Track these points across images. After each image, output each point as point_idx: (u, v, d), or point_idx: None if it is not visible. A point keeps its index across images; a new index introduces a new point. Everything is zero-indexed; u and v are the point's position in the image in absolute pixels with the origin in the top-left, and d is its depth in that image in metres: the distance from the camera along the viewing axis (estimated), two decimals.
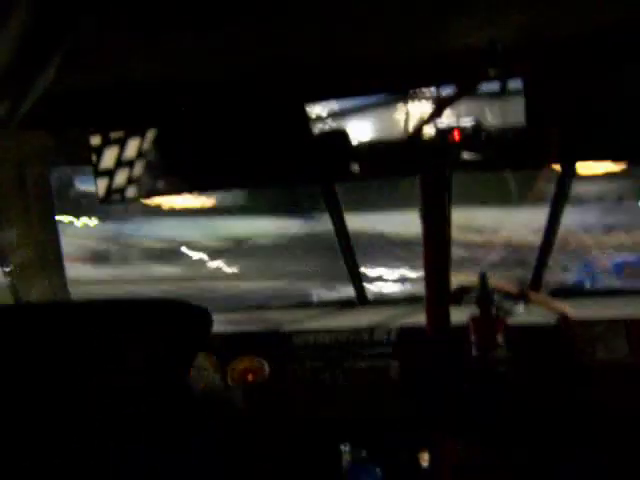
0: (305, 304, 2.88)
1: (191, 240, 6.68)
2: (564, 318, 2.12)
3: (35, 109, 1.33)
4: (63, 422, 1.21)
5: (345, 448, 2.16)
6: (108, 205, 1.89)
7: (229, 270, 6.53)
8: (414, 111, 1.74)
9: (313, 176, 1.89)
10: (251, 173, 1.83)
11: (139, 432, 1.40)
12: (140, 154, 1.82)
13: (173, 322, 1.39)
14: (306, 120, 1.77)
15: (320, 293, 2.96)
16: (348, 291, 2.77)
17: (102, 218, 6.14)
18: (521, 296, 2.36)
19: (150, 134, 1.81)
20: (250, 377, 2.31)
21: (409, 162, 1.79)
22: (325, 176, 1.92)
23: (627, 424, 2.07)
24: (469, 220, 4.82)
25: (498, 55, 1.53)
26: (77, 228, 5.81)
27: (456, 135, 1.70)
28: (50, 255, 2.15)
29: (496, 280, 2.32)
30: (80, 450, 1.22)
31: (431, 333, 2.10)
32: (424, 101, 1.74)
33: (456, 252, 2.23)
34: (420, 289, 2.17)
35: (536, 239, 2.45)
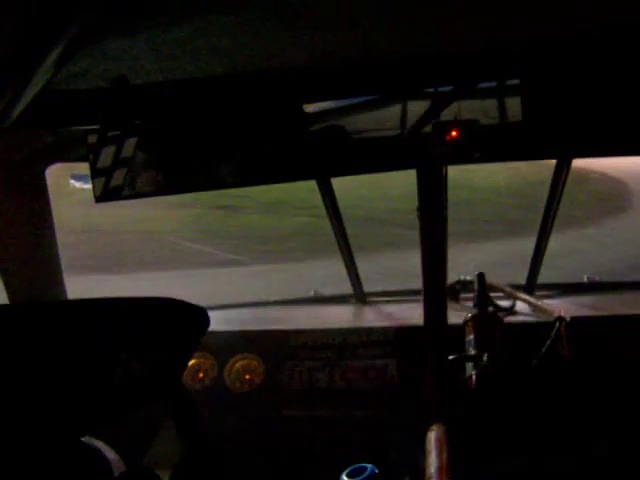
0: (303, 301, 2.88)
1: None
2: (560, 317, 2.12)
3: (32, 107, 1.33)
4: (59, 421, 1.21)
5: (342, 448, 2.17)
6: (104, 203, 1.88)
7: None
8: (412, 108, 1.75)
9: (309, 171, 1.89)
10: (249, 171, 1.83)
11: (136, 431, 1.40)
12: (139, 152, 1.82)
13: (169, 321, 1.38)
14: (303, 117, 1.77)
15: (318, 291, 2.95)
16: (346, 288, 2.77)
17: None
18: (514, 297, 2.37)
19: (149, 132, 1.81)
20: (247, 376, 2.31)
21: (406, 157, 1.80)
22: (321, 170, 1.93)
23: (626, 424, 2.08)
24: None
25: (497, 54, 1.53)
26: None
27: (454, 133, 1.70)
28: (47, 254, 2.14)
29: (492, 279, 2.33)
30: (75, 449, 1.23)
31: (428, 329, 2.10)
32: (422, 98, 1.74)
33: None
34: (418, 285, 2.17)
35: None
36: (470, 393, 2.08)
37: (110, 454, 1.25)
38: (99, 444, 1.29)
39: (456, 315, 2.18)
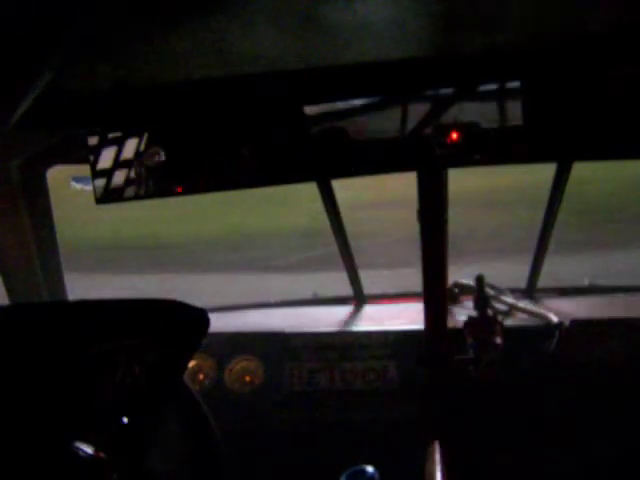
0: (303, 302, 2.88)
1: None
2: (560, 321, 2.12)
3: (33, 109, 1.33)
4: (58, 421, 1.21)
5: (342, 450, 2.17)
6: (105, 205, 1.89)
7: None
8: (413, 111, 1.75)
9: (310, 172, 1.90)
10: (250, 173, 1.83)
11: (137, 431, 1.40)
12: (139, 155, 1.82)
13: (169, 322, 1.39)
14: (303, 119, 1.77)
15: (318, 292, 2.95)
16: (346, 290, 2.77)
17: None
18: (513, 301, 2.37)
19: (149, 134, 1.81)
20: (247, 378, 2.32)
21: (406, 159, 1.80)
22: (321, 172, 1.93)
23: (626, 425, 2.08)
24: None
25: (497, 57, 1.53)
26: None
27: (454, 135, 1.70)
28: (47, 255, 2.15)
29: (491, 282, 2.34)
30: (73, 450, 1.22)
31: (428, 331, 2.10)
32: (423, 101, 1.74)
33: None
34: (418, 288, 2.17)
35: None
36: (470, 396, 2.09)
37: (105, 457, 1.25)
38: (95, 448, 1.29)
39: (456, 318, 2.18)
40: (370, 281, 2.74)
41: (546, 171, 2.37)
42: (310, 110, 1.77)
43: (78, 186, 2.09)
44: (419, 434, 1.87)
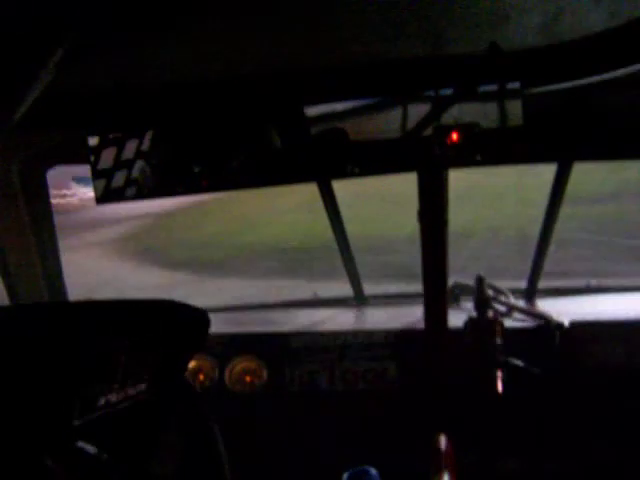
0: (303, 303, 2.87)
1: None
2: (560, 322, 2.12)
3: (33, 109, 1.33)
4: (59, 422, 1.21)
5: (343, 450, 2.16)
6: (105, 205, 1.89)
7: None
8: (413, 111, 1.75)
9: (310, 173, 1.90)
10: (250, 173, 1.83)
11: (137, 431, 1.40)
12: (139, 155, 1.82)
13: (170, 323, 1.39)
14: (304, 119, 1.77)
15: (318, 292, 2.95)
16: (346, 290, 2.77)
17: None
18: (514, 301, 2.37)
19: (149, 134, 1.82)
20: (248, 378, 2.31)
21: (406, 160, 1.80)
22: (322, 173, 1.93)
23: (626, 425, 2.08)
24: None
25: (497, 57, 1.53)
26: None
27: (454, 136, 1.70)
28: (47, 256, 2.15)
29: (492, 283, 2.33)
30: (75, 449, 1.23)
31: (429, 332, 2.11)
32: (423, 101, 1.74)
33: None
34: (418, 288, 2.17)
35: None
36: (470, 396, 2.08)
37: (106, 456, 1.25)
38: (96, 447, 1.29)
39: (456, 318, 2.18)
40: None
41: None
42: (310, 110, 1.77)
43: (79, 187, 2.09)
44: (419, 434, 1.87)
